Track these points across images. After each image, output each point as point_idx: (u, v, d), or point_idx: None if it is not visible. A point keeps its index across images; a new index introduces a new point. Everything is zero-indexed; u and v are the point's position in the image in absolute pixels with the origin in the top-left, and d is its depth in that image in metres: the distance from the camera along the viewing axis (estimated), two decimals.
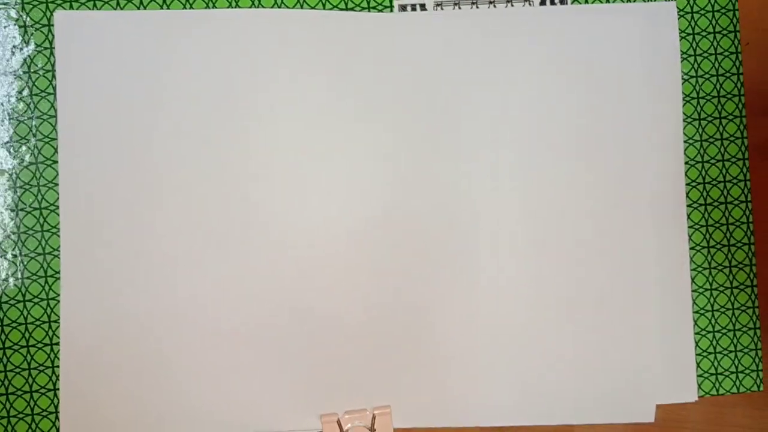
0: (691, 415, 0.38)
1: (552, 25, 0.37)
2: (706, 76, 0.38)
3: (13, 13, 0.35)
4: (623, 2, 0.37)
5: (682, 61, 0.37)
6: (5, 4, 0.35)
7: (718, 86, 0.38)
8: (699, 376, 0.38)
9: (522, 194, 0.36)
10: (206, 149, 0.36)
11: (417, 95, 0.36)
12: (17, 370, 0.35)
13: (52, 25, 0.35)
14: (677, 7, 0.37)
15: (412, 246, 0.36)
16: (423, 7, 0.36)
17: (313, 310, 0.36)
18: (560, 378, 0.37)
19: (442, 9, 0.36)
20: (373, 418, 0.36)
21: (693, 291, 0.38)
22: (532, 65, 0.36)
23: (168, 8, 0.36)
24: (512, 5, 0.37)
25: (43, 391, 0.35)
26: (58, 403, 0.35)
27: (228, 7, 0.36)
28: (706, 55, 0.37)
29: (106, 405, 0.35)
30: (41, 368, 0.35)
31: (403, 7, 0.36)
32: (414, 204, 0.36)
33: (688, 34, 0.37)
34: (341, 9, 0.36)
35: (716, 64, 0.38)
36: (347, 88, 0.36)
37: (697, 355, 0.38)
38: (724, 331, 0.38)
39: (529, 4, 0.37)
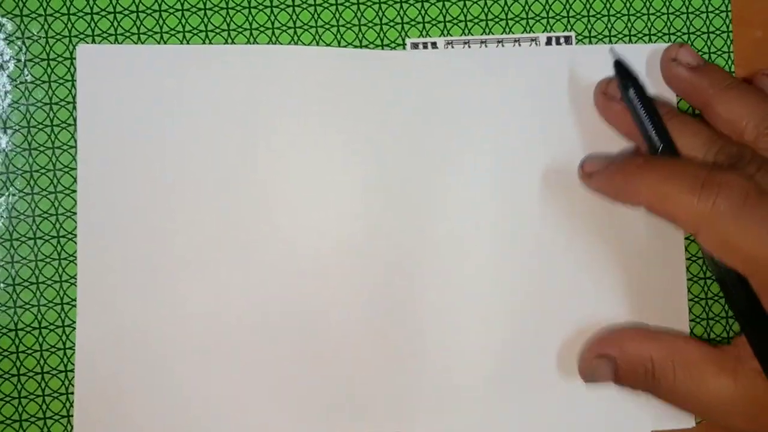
0: None
1: (557, 64, 0.38)
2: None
3: (37, 47, 0.36)
4: (625, 44, 0.39)
5: (679, 100, 0.39)
6: (30, 38, 0.36)
7: None
8: None
9: (521, 225, 0.38)
10: (223, 180, 0.37)
11: (424, 125, 0.37)
12: (31, 396, 0.36)
13: (74, 58, 0.36)
14: None
15: (413, 272, 0.37)
16: (434, 45, 0.38)
17: (322, 337, 0.37)
18: (556, 402, 0.38)
19: (452, 47, 0.38)
20: None
21: (690, 321, 0.39)
22: (538, 101, 0.38)
23: (188, 43, 0.37)
24: (519, 44, 0.38)
25: (57, 417, 0.36)
26: (72, 429, 0.36)
27: (246, 43, 0.37)
28: None
29: (118, 430, 0.36)
30: (55, 395, 0.36)
31: (415, 45, 0.38)
32: (421, 226, 0.37)
33: None
34: (356, 46, 0.38)
35: None
36: (360, 119, 0.37)
37: None
38: None
39: (536, 44, 0.38)
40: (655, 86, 0.38)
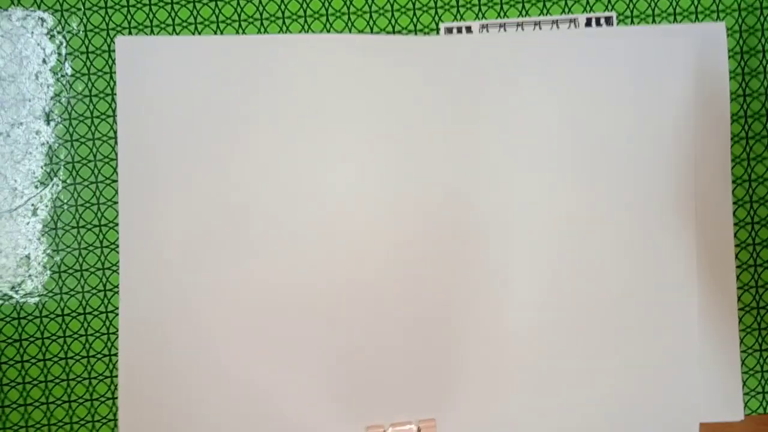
0: None
1: (598, 46, 0.37)
2: (755, 95, 0.37)
3: (77, 41, 0.37)
4: (670, 23, 0.37)
5: (729, 80, 0.37)
6: (70, 32, 0.37)
7: (766, 105, 0.37)
8: (745, 394, 0.38)
9: (562, 213, 0.37)
10: (258, 166, 0.37)
11: (461, 115, 0.37)
12: (78, 379, 0.37)
13: (113, 51, 0.37)
14: (726, 26, 0.37)
15: (450, 261, 0.37)
16: (469, 29, 0.37)
17: (358, 324, 0.37)
18: (604, 394, 0.37)
19: (487, 31, 0.37)
20: (418, 430, 0.37)
21: (739, 309, 0.37)
22: (578, 86, 0.37)
23: (221, 33, 0.37)
24: (557, 27, 0.37)
25: (102, 400, 0.37)
26: (117, 411, 0.37)
27: (278, 33, 0.37)
28: (754, 73, 0.37)
29: (161, 414, 0.37)
30: (101, 378, 0.37)
31: (449, 30, 0.37)
32: (453, 220, 0.37)
33: (737, 53, 0.37)
34: (389, 32, 0.37)
35: (765, 83, 0.37)
36: (394, 108, 0.37)
37: (743, 373, 0.38)
38: None
39: (575, 26, 0.37)
40: (707, 71, 0.37)
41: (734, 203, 0.38)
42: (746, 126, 0.37)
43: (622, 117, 0.37)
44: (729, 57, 0.37)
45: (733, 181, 0.38)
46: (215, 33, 0.37)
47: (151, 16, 0.37)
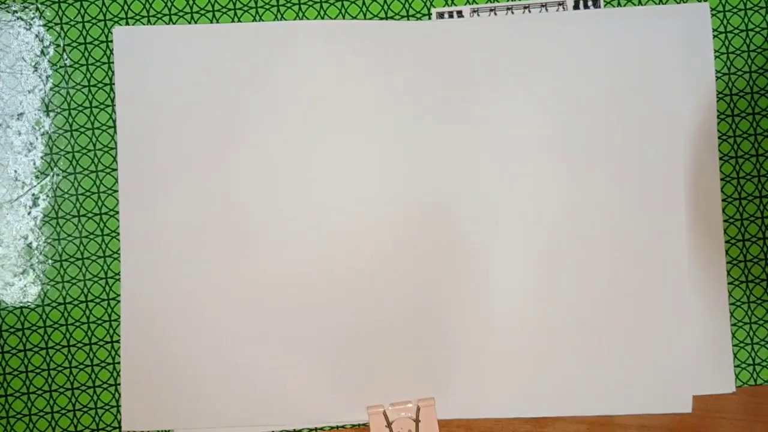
0: (728, 405, 0.38)
1: (586, 28, 0.38)
2: (739, 73, 0.38)
3: (75, 32, 0.37)
4: (656, 4, 0.38)
5: (715, 59, 0.38)
6: (68, 23, 0.38)
7: (750, 83, 0.38)
8: (736, 366, 0.38)
9: (558, 191, 0.38)
10: (254, 156, 0.37)
11: (454, 100, 0.37)
12: (81, 366, 0.37)
13: (110, 42, 0.37)
14: (710, 6, 0.38)
15: (447, 242, 0.37)
16: (460, 14, 0.38)
17: (357, 308, 0.37)
18: (598, 369, 0.37)
19: (478, 15, 0.38)
20: (418, 409, 0.37)
21: (729, 283, 0.38)
22: (567, 68, 0.38)
23: (217, 22, 0.38)
24: (546, 10, 0.38)
25: (105, 386, 0.37)
26: (119, 398, 0.37)
27: (274, 20, 0.38)
28: (738, 52, 0.38)
29: (163, 399, 0.37)
30: (103, 364, 0.37)
31: (440, 15, 0.38)
32: (448, 205, 0.37)
33: (721, 33, 0.38)
34: (381, 18, 0.38)
35: (749, 61, 0.38)
36: (388, 93, 0.37)
37: (734, 345, 0.38)
38: (761, 322, 0.38)
39: (563, 8, 0.38)
40: (692, 51, 0.37)
41: (722, 179, 0.38)
42: (731, 104, 0.38)
43: (610, 96, 0.37)
44: (713, 36, 0.38)
45: (720, 158, 0.38)
46: (211, 22, 0.38)
47: (147, 6, 0.38)
